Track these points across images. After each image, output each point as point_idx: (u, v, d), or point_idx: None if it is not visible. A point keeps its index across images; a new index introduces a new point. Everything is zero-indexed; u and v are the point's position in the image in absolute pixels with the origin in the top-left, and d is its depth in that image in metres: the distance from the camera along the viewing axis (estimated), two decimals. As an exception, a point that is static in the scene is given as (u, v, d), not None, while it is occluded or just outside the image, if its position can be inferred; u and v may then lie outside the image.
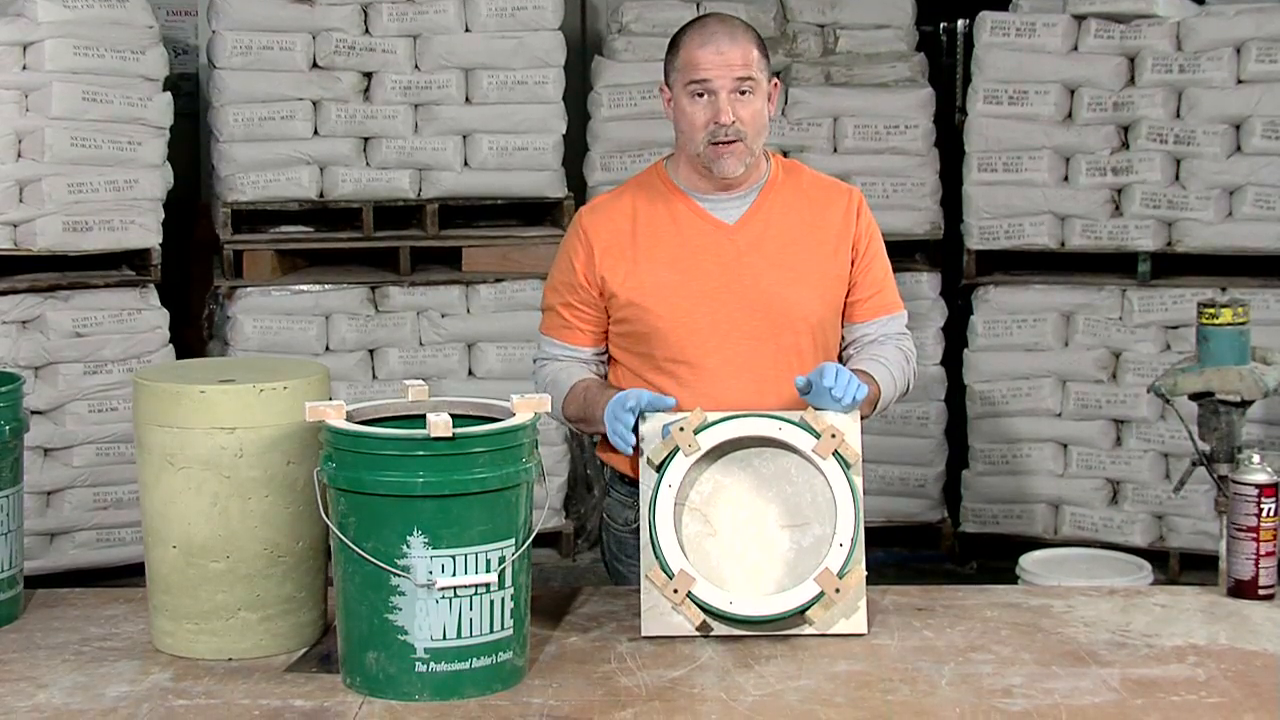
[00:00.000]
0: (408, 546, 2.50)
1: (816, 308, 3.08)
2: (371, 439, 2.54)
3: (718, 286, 3.04)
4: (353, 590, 2.55)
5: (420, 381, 2.83)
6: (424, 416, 2.58)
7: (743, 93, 2.99)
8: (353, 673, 2.57)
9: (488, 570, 2.53)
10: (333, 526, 2.56)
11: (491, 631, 2.55)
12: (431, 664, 2.52)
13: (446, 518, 2.51)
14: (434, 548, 2.50)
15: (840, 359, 3.18)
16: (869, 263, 3.14)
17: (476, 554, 2.52)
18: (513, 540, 2.57)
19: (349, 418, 2.63)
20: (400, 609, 2.52)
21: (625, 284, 3.06)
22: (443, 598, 2.51)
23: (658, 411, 2.87)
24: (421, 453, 2.51)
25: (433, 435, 2.50)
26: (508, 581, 2.56)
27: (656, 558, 2.78)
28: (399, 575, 2.51)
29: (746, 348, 3.05)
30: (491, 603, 2.55)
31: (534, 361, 3.24)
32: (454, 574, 2.51)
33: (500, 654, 2.56)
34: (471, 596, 2.53)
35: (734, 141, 2.99)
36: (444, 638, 2.52)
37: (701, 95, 3.00)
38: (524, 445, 2.59)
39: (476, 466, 2.52)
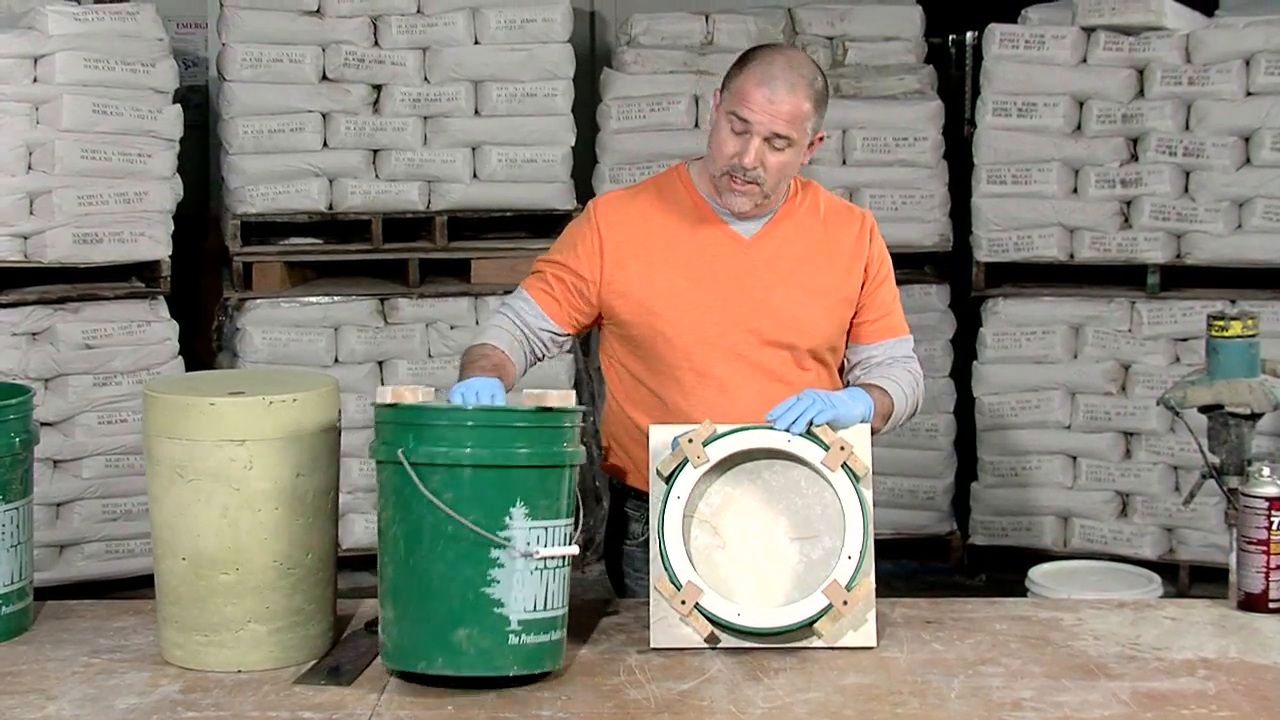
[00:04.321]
0: (510, 518, 2.56)
1: (824, 327, 3.09)
2: (488, 413, 2.62)
3: (728, 297, 3.05)
4: (442, 569, 2.55)
5: (412, 386, 2.82)
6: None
7: (778, 146, 2.96)
8: (430, 655, 2.56)
9: (566, 543, 2.62)
10: (438, 503, 2.54)
11: (560, 606, 2.63)
12: (523, 636, 2.57)
13: (544, 488, 2.59)
14: (533, 519, 2.57)
15: (845, 379, 3.19)
16: (878, 287, 3.15)
17: (558, 527, 2.61)
18: (572, 519, 2.66)
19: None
20: (499, 581, 2.56)
21: (636, 285, 3.06)
22: (536, 569, 2.57)
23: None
24: (539, 424, 2.59)
25: (547, 405, 2.60)
26: (566, 559, 2.65)
27: (665, 569, 2.78)
28: (501, 546, 2.54)
29: (753, 360, 3.06)
30: (564, 577, 2.63)
31: (500, 307, 3.22)
32: (546, 545, 2.58)
33: (562, 630, 2.65)
34: (556, 569, 2.60)
35: (749, 183, 2.99)
36: (534, 609, 2.58)
37: (739, 131, 2.97)
38: (575, 429, 2.69)
39: (563, 440, 2.63)
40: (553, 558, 2.59)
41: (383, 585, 2.63)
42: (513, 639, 2.56)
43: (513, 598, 2.56)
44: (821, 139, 3.06)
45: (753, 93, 2.94)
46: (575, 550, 2.63)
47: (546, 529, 2.58)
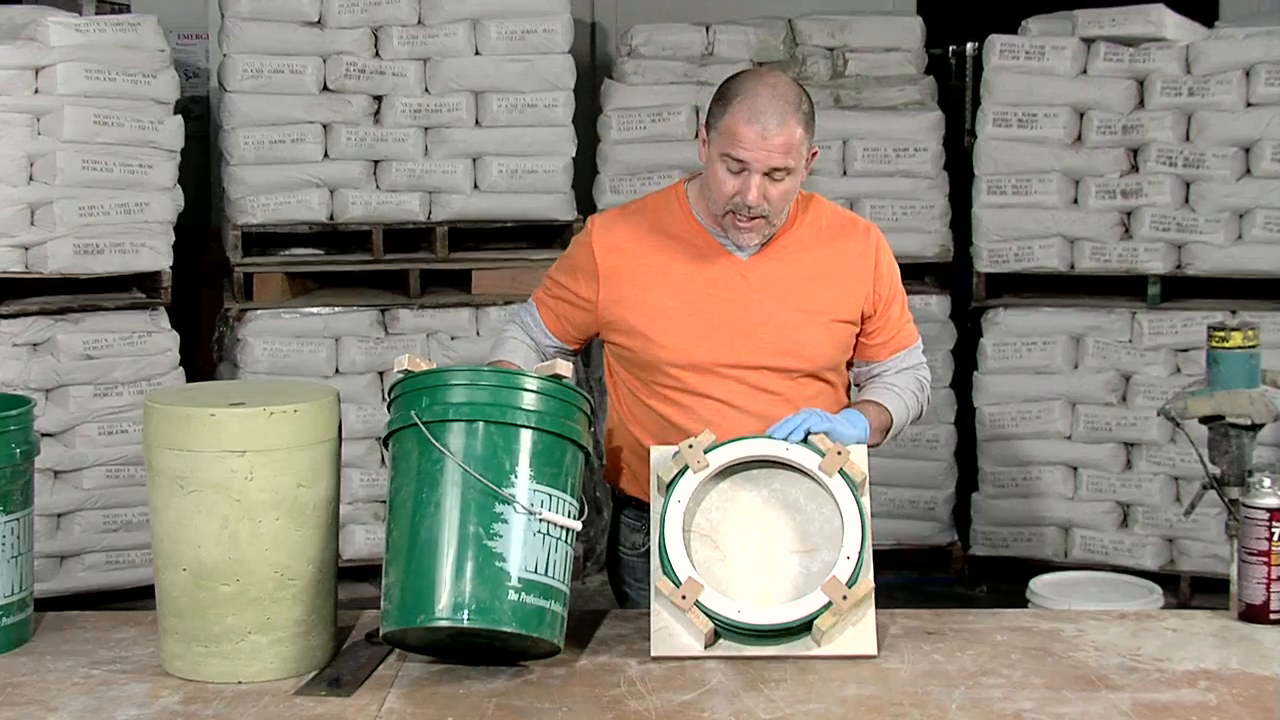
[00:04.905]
0: (515, 477, 2.62)
1: (825, 349, 3.08)
2: (501, 374, 2.70)
3: (726, 321, 3.04)
4: (446, 521, 2.61)
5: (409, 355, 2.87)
6: None
7: (777, 178, 2.93)
8: (429, 609, 2.59)
9: (573, 518, 2.67)
10: (445, 450, 2.62)
11: (561, 581, 2.67)
12: (523, 594, 2.61)
13: (550, 455, 2.66)
14: (537, 482, 2.63)
15: (850, 390, 3.19)
16: (888, 307, 3.13)
17: (563, 499, 2.67)
18: (579, 503, 2.71)
19: None
20: (501, 536, 2.61)
21: (632, 310, 3.06)
22: (539, 531, 2.62)
23: None
24: (536, 389, 2.67)
25: (556, 372, 2.69)
26: (572, 539, 2.69)
27: (665, 569, 2.78)
28: (505, 501, 2.60)
29: (752, 382, 3.05)
30: (566, 553, 2.67)
31: (510, 321, 3.24)
32: (550, 510, 2.65)
33: (563, 607, 2.68)
34: (557, 540, 2.65)
35: (755, 218, 2.96)
36: (535, 570, 2.62)
37: (735, 171, 2.93)
38: (583, 414, 2.75)
39: (572, 416, 2.69)
40: (555, 524, 2.64)
41: (388, 555, 2.68)
42: (512, 595, 2.60)
43: (513, 554, 2.61)
44: (815, 154, 3.02)
45: (744, 132, 2.89)
46: (578, 525, 2.68)
47: (550, 496, 2.65)
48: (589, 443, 2.75)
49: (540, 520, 2.63)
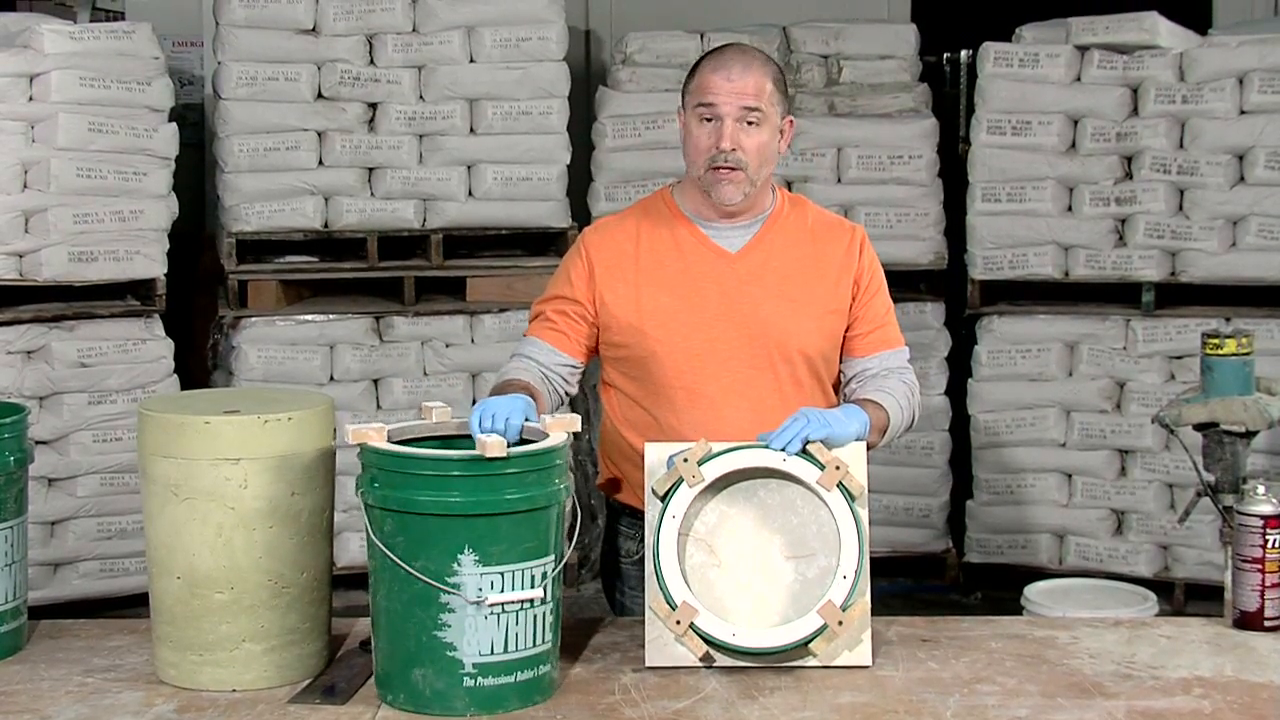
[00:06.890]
0: (458, 564, 2.54)
1: (815, 339, 3.09)
2: (425, 461, 2.58)
3: (717, 314, 3.06)
4: (399, 609, 2.57)
5: (440, 403, 2.84)
6: (446, 438, 2.67)
7: (749, 123, 3.00)
8: (396, 690, 2.59)
9: (533, 586, 2.58)
10: (381, 546, 2.57)
11: (533, 645, 2.60)
12: (479, 679, 2.56)
13: (496, 535, 2.55)
14: (484, 565, 2.54)
15: (841, 393, 3.19)
16: (870, 299, 3.15)
17: (522, 570, 2.57)
18: (552, 556, 2.62)
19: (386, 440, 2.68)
20: (450, 626, 2.55)
21: (625, 307, 3.07)
22: (491, 613, 2.55)
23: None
24: (474, 473, 2.55)
25: (488, 455, 2.54)
26: (548, 596, 2.61)
27: (660, 589, 2.78)
28: (449, 593, 2.54)
29: (744, 376, 3.06)
30: (535, 617, 2.60)
31: (510, 357, 3.22)
32: (502, 590, 2.55)
33: (540, 667, 2.62)
34: (517, 612, 2.57)
35: (734, 169, 3.00)
36: (491, 653, 2.56)
37: (709, 120, 3.01)
38: (562, 465, 2.66)
39: (525, 485, 2.58)
40: (513, 603, 2.56)
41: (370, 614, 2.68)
42: (467, 681, 2.56)
43: (465, 642, 2.55)
44: (791, 123, 3.09)
45: (711, 79, 3.00)
46: (537, 594, 2.58)
47: (502, 574, 2.55)
48: (568, 491, 2.64)
49: (489, 605, 2.55)
